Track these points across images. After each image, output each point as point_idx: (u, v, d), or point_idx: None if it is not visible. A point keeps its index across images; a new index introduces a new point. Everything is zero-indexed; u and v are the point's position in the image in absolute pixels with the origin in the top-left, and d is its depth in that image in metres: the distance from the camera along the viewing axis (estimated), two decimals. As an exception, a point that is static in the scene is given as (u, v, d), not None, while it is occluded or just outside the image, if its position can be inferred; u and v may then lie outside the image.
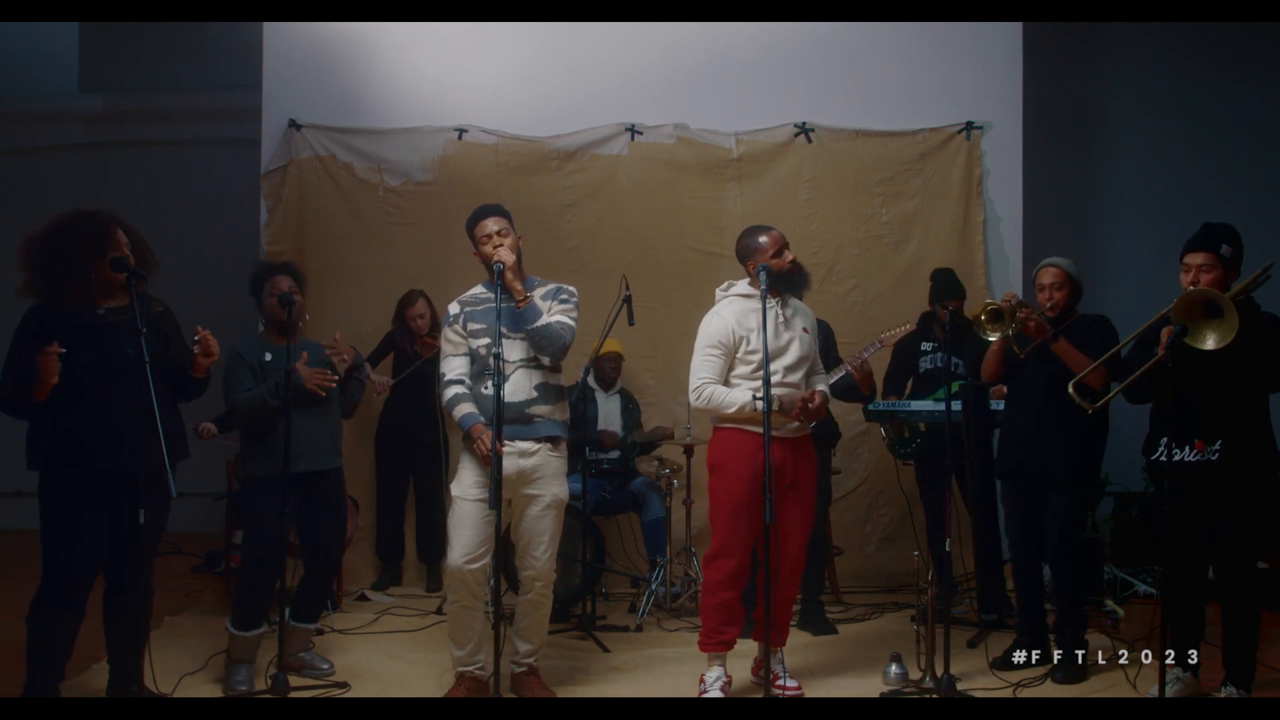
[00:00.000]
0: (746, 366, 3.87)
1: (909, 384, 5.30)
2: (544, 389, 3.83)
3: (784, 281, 3.91)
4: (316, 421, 4.07)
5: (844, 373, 4.79)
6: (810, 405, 3.83)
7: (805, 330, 3.96)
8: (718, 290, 4.05)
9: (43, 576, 3.43)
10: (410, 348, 5.66)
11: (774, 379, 3.77)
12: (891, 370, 5.34)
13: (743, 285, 3.98)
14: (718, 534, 3.90)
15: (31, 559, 3.50)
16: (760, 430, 3.73)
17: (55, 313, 3.42)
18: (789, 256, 3.91)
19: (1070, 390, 3.84)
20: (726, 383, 3.88)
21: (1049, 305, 4.18)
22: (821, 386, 3.99)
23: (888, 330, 4.92)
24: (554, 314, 3.83)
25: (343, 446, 4.25)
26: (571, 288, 3.96)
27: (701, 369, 3.90)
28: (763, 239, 3.93)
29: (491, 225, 3.84)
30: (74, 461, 3.38)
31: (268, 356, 4.03)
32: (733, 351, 3.87)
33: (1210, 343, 3.50)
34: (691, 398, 3.89)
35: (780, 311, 3.91)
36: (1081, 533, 4.26)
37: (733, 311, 3.93)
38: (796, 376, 3.89)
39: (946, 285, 5.22)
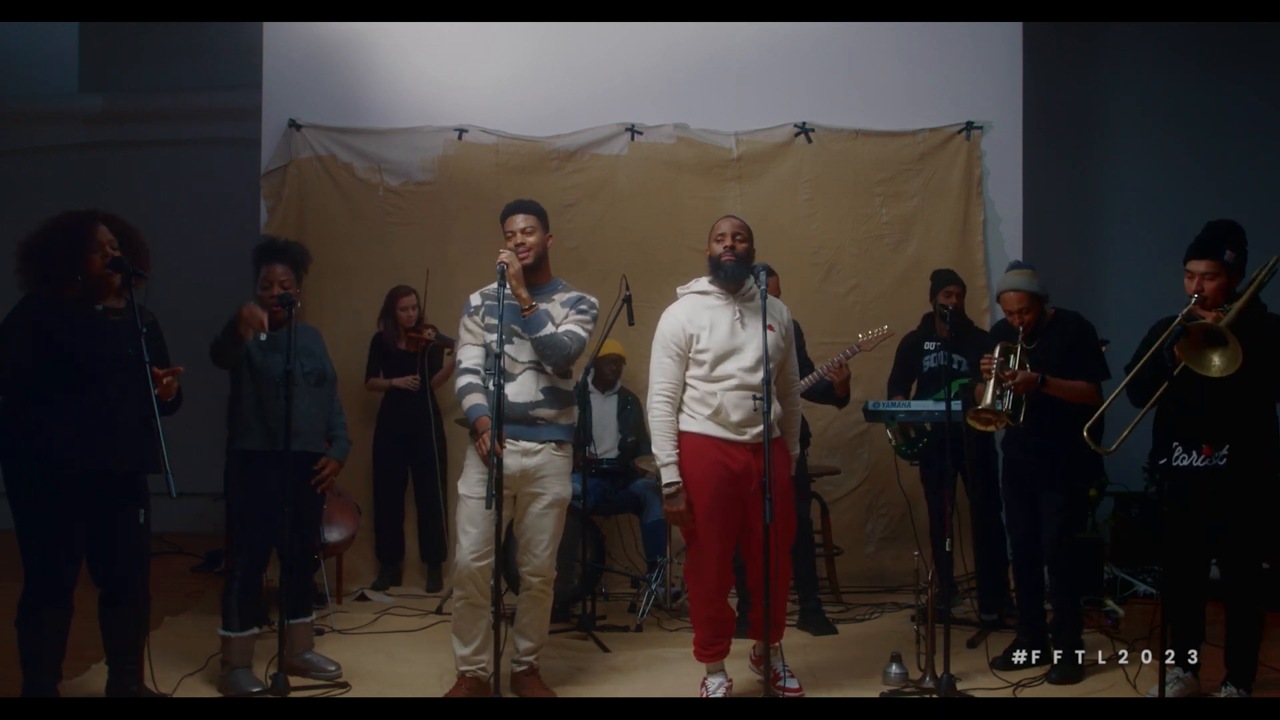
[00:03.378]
0: (699, 367, 3.74)
1: (914, 384, 5.29)
2: (550, 393, 3.81)
3: (718, 271, 3.78)
4: (316, 404, 4.07)
5: (818, 378, 4.78)
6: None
7: (771, 328, 3.69)
8: (678, 289, 3.96)
9: (28, 577, 3.38)
10: (395, 345, 5.68)
11: (732, 382, 3.69)
12: (896, 371, 5.33)
13: (701, 282, 3.88)
14: (692, 544, 3.81)
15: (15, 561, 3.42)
16: (719, 435, 3.69)
17: (51, 305, 3.36)
18: (724, 244, 3.76)
19: (1085, 437, 3.74)
20: (684, 385, 3.78)
21: (1019, 329, 4.12)
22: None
23: (864, 334, 4.89)
24: (569, 322, 3.81)
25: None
26: (593, 299, 3.93)
27: (655, 373, 3.79)
28: (718, 224, 3.85)
29: (518, 223, 3.82)
30: (62, 459, 3.32)
31: (263, 337, 3.93)
32: (686, 351, 3.76)
33: (1216, 367, 3.51)
34: (649, 403, 3.81)
35: (739, 308, 3.79)
36: (1078, 532, 4.25)
37: (684, 309, 3.82)
38: (758, 378, 3.64)
39: (944, 283, 5.22)
